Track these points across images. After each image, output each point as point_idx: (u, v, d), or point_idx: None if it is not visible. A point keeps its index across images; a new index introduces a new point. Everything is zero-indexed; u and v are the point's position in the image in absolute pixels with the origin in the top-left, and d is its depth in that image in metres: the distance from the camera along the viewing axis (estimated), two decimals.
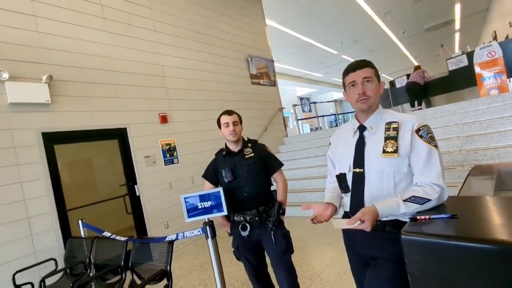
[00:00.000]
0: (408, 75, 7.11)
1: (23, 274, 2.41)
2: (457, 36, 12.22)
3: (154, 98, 4.12)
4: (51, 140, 3.07)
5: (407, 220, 0.94)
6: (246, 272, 1.91)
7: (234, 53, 5.80)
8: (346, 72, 1.15)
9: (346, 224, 0.98)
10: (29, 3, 3.06)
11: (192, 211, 1.57)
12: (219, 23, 5.54)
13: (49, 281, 2.46)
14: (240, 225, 1.73)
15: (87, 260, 2.54)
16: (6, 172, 2.70)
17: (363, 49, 12.01)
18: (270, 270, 1.86)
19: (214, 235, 1.61)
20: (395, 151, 1.03)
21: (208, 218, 1.59)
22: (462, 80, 5.93)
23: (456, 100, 5.34)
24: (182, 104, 4.51)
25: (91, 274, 2.45)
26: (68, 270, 2.62)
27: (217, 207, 1.54)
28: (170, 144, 4.23)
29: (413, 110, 6.47)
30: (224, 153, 1.85)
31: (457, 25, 10.71)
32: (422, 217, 0.89)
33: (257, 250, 1.83)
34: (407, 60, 14.95)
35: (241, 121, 1.88)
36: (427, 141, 1.02)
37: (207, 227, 1.58)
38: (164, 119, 4.17)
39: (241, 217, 1.75)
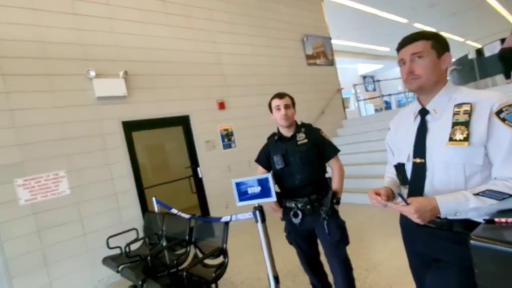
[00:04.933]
0: (503, 40, 5.81)
1: (114, 239, 2.91)
2: None
3: (212, 86, 4.32)
4: (130, 127, 3.54)
5: (481, 220, 0.78)
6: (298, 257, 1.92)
7: (289, 34, 5.60)
8: (397, 49, 1.01)
9: (393, 204, 0.90)
10: (106, 8, 3.48)
11: (243, 195, 1.63)
12: (273, 4, 5.39)
13: (132, 247, 2.93)
14: (292, 212, 1.71)
15: (160, 232, 2.93)
16: (98, 155, 3.24)
17: (441, 14, 10.14)
18: (323, 258, 1.82)
19: (263, 220, 1.65)
20: (465, 139, 0.85)
21: (258, 203, 1.63)
22: None
23: None
24: (238, 90, 4.63)
25: (163, 245, 2.83)
26: (146, 239, 3.08)
27: (266, 192, 1.57)
28: (228, 129, 4.43)
29: (508, 83, 5.31)
30: (276, 138, 1.81)
31: None
32: (503, 220, 0.72)
33: (309, 237, 1.79)
34: (501, 20, 12.07)
35: (293, 104, 1.79)
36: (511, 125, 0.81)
37: (257, 211, 1.63)
38: (221, 106, 4.36)
39: (293, 204, 1.72)
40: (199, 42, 4.27)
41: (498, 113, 0.83)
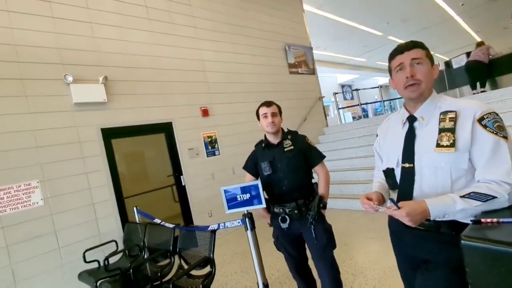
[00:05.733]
0: (468, 53, 6.27)
1: (91, 252, 2.76)
2: None
3: (195, 93, 4.29)
4: (109, 135, 3.40)
5: (468, 221, 0.83)
6: (286, 263, 1.92)
7: (272, 43, 5.72)
8: (392, 56, 1.03)
9: (385, 209, 0.92)
10: (86, 11, 3.37)
11: (232, 202, 1.61)
12: (256, 13, 5.49)
13: (111, 260, 2.78)
14: (280, 217, 1.72)
15: (142, 243, 2.81)
16: (75, 164, 3.07)
17: (413, 28, 10.84)
18: (311, 263, 1.84)
19: (253, 227, 1.64)
20: (452, 145, 0.90)
21: (247, 210, 1.61)
22: None
23: None
24: (222, 97, 4.62)
25: (145, 256, 2.71)
26: (126, 251, 2.94)
27: (256, 199, 1.56)
28: (212, 136, 4.39)
29: (474, 93, 5.72)
30: (263, 145, 1.84)
31: None
32: (489, 220, 0.76)
33: (297, 242, 1.81)
34: (466, 36, 13.12)
35: (280, 112, 1.84)
36: (493, 132, 0.86)
37: (247, 219, 1.62)
38: (205, 113, 4.33)
39: (281, 209, 1.74)
40: (182, 48, 4.23)
41: (480, 120, 0.89)
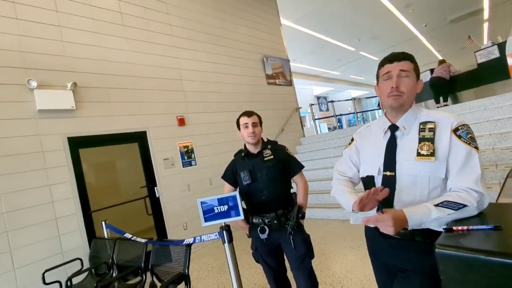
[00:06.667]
0: (432, 70, 6.77)
1: (52, 273, 2.51)
2: (485, 26, 11.47)
3: (171, 102, 4.18)
4: (76, 144, 3.19)
5: (440, 230, 0.85)
6: (265, 276, 1.87)
7: (250, 54, 5.78)
8: (382, 63, 1.06)
9: (362, 219, 0.90)
10: (55, 14, 3.20)
11: (209, 214, 1.55)
12: (234, 25, 5.55)
13: (75, 280, 2.55)
14: (259, 228, 1.69)
15: (110, 260, 2.62)
16: (36, 175, 2.83)
17: (383, 45, 11.58)
18: (290, 275, 1.81)
19: (231, 240, 1.58)
20: (432, 154, 0.94)
21: (224, 222, 1.56)
22: (492, 73, 5.55)
23: (487, 94, 4.99)
24: (199, 106, 4.55)
25: (113, 275, 2.52)
26: (92, 270, 2.72)
27: (234, 210, 1.52)
28: (188, 146, 4.28)
29: (438, 107, 6.15)
30: (243, 154, 1.82)
31: (486, 15, 10.05)
32: (460, 227, 0.79)
33: (276, 253, 1.79)
34: (430, 54, 14.25)
35: (261, 123, 1.83)
36: (466, 142, 0.91)
37: (224, 231, 1.56)
38: (181, 122, 4.23)
39: (260, 220, 1.71)
40: (159, 56, 4.14)
41: (455, 130, 0.94)
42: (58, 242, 2.88)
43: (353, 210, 1.01)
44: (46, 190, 2.87)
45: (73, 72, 3.24)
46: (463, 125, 0.95)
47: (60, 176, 2.99)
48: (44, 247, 2.78)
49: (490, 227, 0.76)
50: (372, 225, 0.89)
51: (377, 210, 0.89)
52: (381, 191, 0.90)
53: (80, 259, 2.79)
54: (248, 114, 1.78)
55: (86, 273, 2.71)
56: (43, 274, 2.45)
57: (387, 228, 0.85)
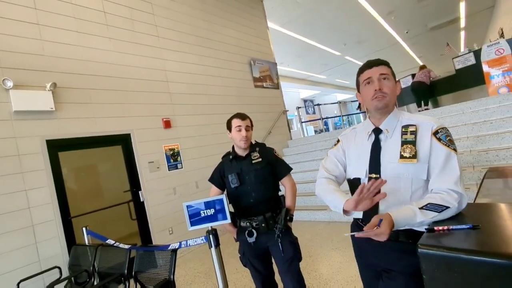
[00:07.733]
0: (413, 75, 7.02)
1: (28, 282, 2.39)
2: (462, 34, 12.04)
3: (157, 104, 4.11)
4: (55, 147, 3.06)
5: (423, 230, 0.87)
6: (252, 280, 1.85)
7: (237, 57, 5.78)
8: (361, 70, 1.10)
9: (359, 232, 0.90)
10: (33, 12, 3.08)
11: (195, 218, 1.52)
12: (221, 27, 5.54)
13: None
14: (247, 231, 1.67)
15: (91, 268, 2.51)
16: (11, 180, 2.69)
17: (367, 50, 11.91)
18: (277, 279, 1.80)
19: (217, 244, 1.55)
20: (414, 156, 0.97)
21: (211, 226, 1.53)
22: (469, 79, 5.81)
23: (464, 99, 5.22)
24: (185, 108, 4.49)
25: (95, 283, 2.42)
26: (72, 278, 2.60)
27: (221, 214, 1.49)
28: (174, 149, 4.21)
29: (419, 111, 6.36)
30: (231, 157, 1.79)
31: (462, 23, 10.55)
32: (440, 228, 0.81)
33: (264, 257, 1.77)
34: (411, 60, 14.78)
35: (252, 126, 1.81)
36: (445, 144, 0.95)
37: (211, 236, 1.53)
38: (167, 124, 4.15)
39: (248, 223, 1.70)
40: (144, 57, 4.06)
41: (435, 133, 0.98)
42: (35, 250, 2.74)
43: (344, 210, 0.99)
44: (22, 195, 2.74)
45: (53, 72, 3.12)
46: (443, 128, 0.99)
47: (37, 180, 2.85)
48: (20, 255, 2.64)
49: (469, 226, 0.79)
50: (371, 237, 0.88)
51: (378, 225, 0.88)
52: (372, 185, 0.89)
53: (59, 268, 2.66)
54: (242, 117, 1.75)
55: (65, 282, 2.59)
56: (18, 284, 2.32)
57: (383, 238, 0.87)
